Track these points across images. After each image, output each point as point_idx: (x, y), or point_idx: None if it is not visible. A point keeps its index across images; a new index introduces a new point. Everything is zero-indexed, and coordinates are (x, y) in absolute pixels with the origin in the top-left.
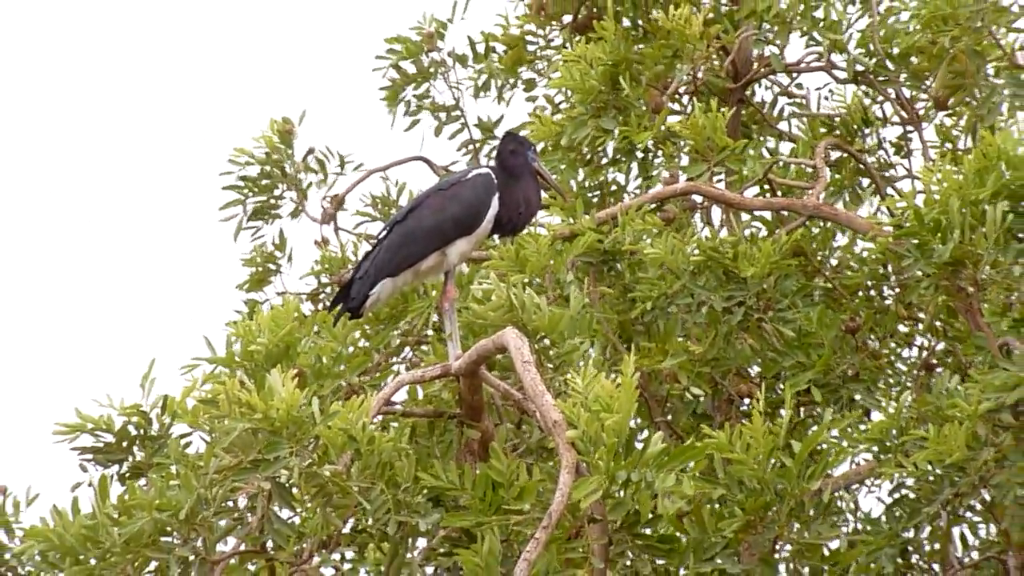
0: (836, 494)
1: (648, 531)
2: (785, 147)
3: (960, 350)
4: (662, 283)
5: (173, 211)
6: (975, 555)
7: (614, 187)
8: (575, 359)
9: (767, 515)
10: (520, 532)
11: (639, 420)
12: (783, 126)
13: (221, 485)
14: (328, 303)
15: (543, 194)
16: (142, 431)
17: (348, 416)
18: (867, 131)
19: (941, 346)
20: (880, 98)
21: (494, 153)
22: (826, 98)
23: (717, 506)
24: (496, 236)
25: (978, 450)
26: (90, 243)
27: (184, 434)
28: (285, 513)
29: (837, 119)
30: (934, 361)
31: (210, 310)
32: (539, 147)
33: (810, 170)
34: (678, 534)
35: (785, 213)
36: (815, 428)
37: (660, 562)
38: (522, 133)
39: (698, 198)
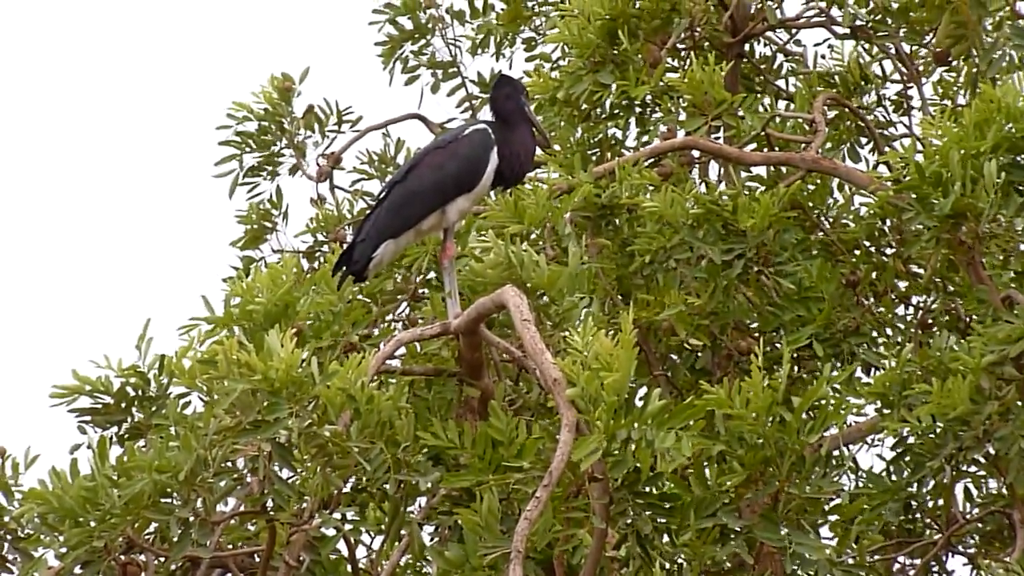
0: (837, 450)
1: (649, 489)
2: (783, 104)
3: (960, 305)
4: (661, 236)
5: (169, 168)
6: (978, 510)
7: (612, 142)
8: (574, 316)
9: (767, 470)
10: (520, 491)
11: (636, 378)
12: (781, 84)
13: (221, 446)
14: (323, 261)
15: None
16: (140, 392)
17: (347, 375)
18: (866, 87)
19: (937, 305)
20: (879, 54)
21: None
22: (823, 56)
23: (718, 463)
24: (496, 189)
25: (982, 404)
26: (84, 202)
27: (182, 394)
28: (285, 473)
29: (836, 76)
30: (930, 320)
31: (205, 268)
32: (536, 102)
33: (808, 126)
34: (679, 492)
35: (783, 168)
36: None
37: (661, 520)
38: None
39: (696, 153)
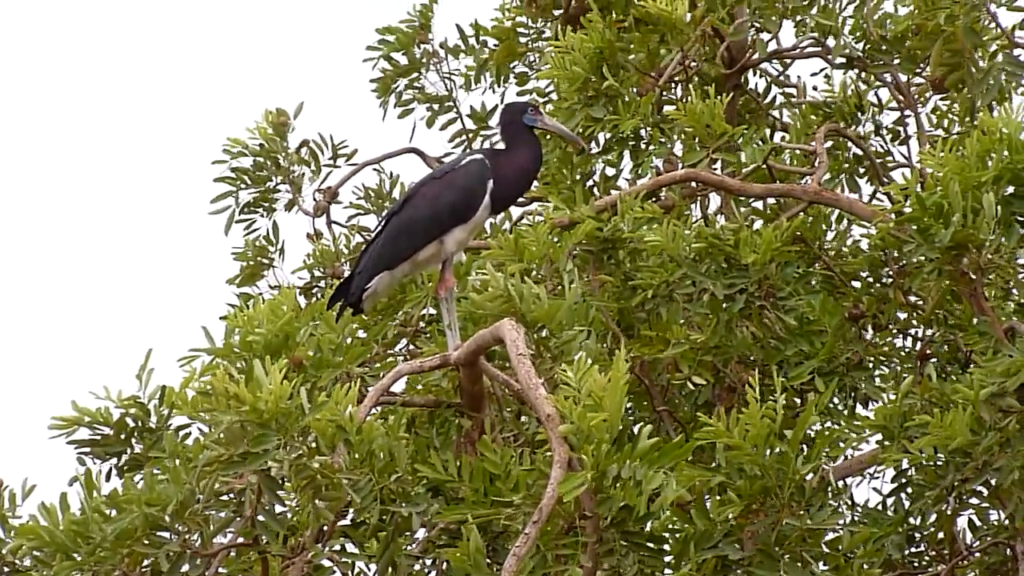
0: (839, 482)
1: (639, 528)
2: (778, 136)
3: (961, 339)
4: (663, 271)
5: (166, 203)
6: (981, 542)
7: (607, 177)
8: (573, 349)
9: (767, 500)
10: (514, 526)
11: (637, 411)
12: (776, 114)
13: (209, 479)
14: (322, 296)
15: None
16: (140, 423)
17: (336, 406)
18: (862, 118)
19: (938, 337)
20: (875, 83)
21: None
22: (815, 88)
23: (718, 493)
24: (496, 216)
25: (982, 435)
26: (82, 236)
27: (183, 426)
28: (279, 506)
29: (831, 107)
30: (928, 351)
31: (202, 304)
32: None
33: (807, 156)
34: (668, 532)
35: (785, 200)
36: (814, 414)
37: (649, 561)
38: None
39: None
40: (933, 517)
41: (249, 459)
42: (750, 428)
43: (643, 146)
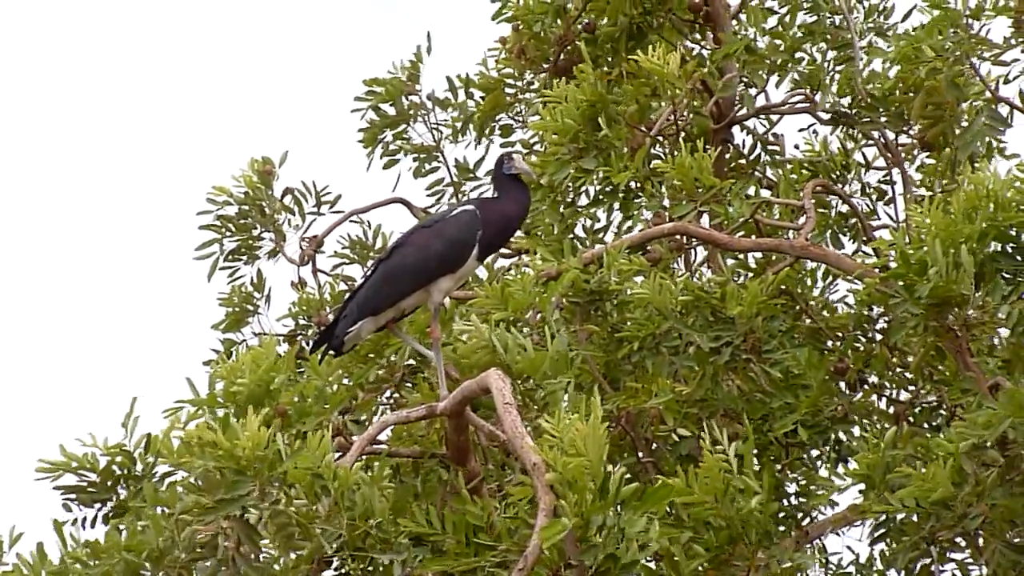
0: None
1: None
2: (765, 193)
3: (946, 394)
4: (649, 323)
5: (151, 250)
6: None
7: (595, 230)
8: (559, 399)
9: (735, 550)
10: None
11: (620, 462)
12: (760, 172)
13: (187, 526)
14: (307, 343)
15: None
16: (126, 471)
17: (312, 453)
18: (849, 176)
19: (923, 394)
20: (862, 140)
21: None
22: (796, 147)
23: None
24: (483, 262)
25: (963, 487)
26: (65, 281)
27: (167, 474)
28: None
29: (818, 164)
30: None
31: (187, 349)
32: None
33: (796, 211)
34: None
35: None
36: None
37: None
38: None
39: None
40: (918, 568)
41: (223, 505)
42: (708, 481)
43: (632, 199)
